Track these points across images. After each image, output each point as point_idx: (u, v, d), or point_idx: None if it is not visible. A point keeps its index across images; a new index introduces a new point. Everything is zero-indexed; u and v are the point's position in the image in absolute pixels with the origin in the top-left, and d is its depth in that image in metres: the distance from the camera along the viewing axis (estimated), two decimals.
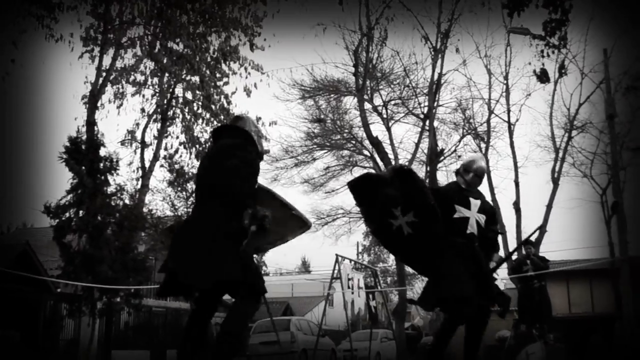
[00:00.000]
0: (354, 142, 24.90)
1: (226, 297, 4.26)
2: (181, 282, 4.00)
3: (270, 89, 64.84)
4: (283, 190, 24.25)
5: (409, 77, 22.36)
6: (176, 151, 20.90)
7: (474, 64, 70.00)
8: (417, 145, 22.23)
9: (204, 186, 4.22)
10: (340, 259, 13.71)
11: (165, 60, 20.10)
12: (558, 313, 19.56)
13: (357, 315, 33.21)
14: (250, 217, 3.88)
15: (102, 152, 16.89)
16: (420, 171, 20.96)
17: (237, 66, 20.77)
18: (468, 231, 5.24)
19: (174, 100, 21.53)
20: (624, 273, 15.33)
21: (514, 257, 13.74)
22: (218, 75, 20.89)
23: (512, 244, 22.95)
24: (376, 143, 19.50)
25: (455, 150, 23.08)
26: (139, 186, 20.30)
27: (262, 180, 4.70)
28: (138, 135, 21.32)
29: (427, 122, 20.88)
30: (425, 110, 21.47)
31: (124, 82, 21.16)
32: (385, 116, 23.39)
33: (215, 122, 20.63)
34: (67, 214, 16.04)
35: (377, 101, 23.42)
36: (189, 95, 21.27)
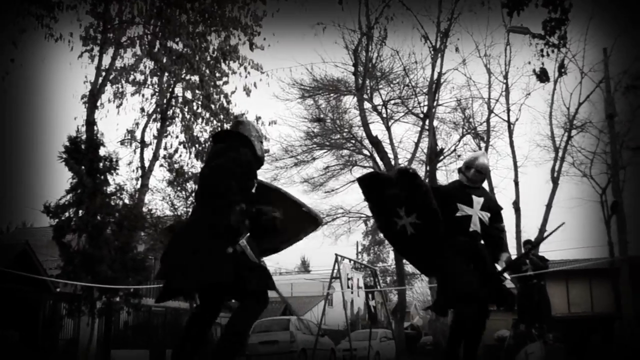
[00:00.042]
0: (353, 141, 24.91)
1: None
2: (172, 286, 4.03)
3: (270, 89, 64.88)
4: None
5: (408, 77, 22.39)
6: (176, 151, 20.89)
7: (473, 63, 70.01)
8: (417, 144, 22.26)
9: (197, 189, 4.28)
10: (339, 258, 13.70)
11: (164, 60, 20.09)
12: (557, 313, 19.59)
13: (356, 314, 33.32)
14: (238, 214, 3.83)
15: (102, 151, 16.89)
16: (420, 170, 20.96)
17: (236, 65, 20.79)
18: (471, 229, 5.23)
19: (173, 100, 21.53)
20: (623, 273, 15.35)
21: (513, 256, 13.72)
22: (218, 74, 20.88)
23: (512, 244, 22.95)
24: (376, 142, 19.51)
25: (454, 150, 23.11)
26: (138, 186, 20.30)
27: (262, 180, 4.72)
28: (138, 134, 21.33)
29: (427, 122, 20.89)
30: (425, 109, 21.48)
31: (123, 82, 21.17)
32: (384, 115, 23.41)
33: (214, 122, 20.63)
34: (67, 214, 16.03)
35: (377, 100, 23.46)
36: (188, 95, 21.28)
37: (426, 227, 5.08)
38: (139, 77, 21.41)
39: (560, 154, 23.61)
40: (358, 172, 26.33)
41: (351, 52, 21.19)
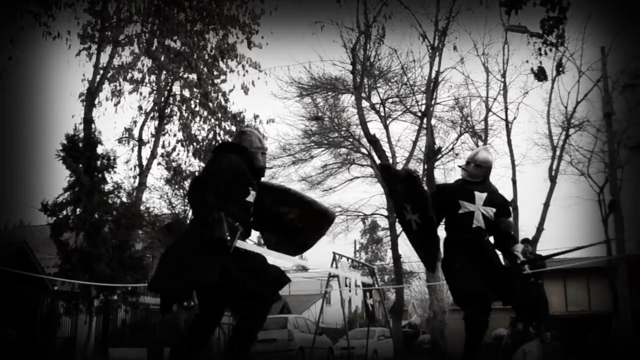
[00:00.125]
0: (351, 140, 24.88)
1: None
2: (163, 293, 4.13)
3: (268, 87, 64.81)
4: None
5: (406, 75, 22.34)
6: (173, 149, 20.89)
7: (471, 62, 69.90)
8: (415, 143, 22.23)
9: None
10: (337, 257, 13.69)
11: (162, 58, 20.07)
12: (555, 311, 19.63)
13: (354, 313, 33.31)
14: (213, 226, 3.86)
15: (100, 149, 16.90)
16: (418, 169, 20.96)
17: (234, 64, 20.80)
18: (474, 225, 5.24)
19: (171, 98, 21.53)
20: (621, 271, 15.36)
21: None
22: (215, 72, 20.88)
23: None
24: (374, 141, 19.50)
25: (452, 148, 23.08)
26: (136, 184, 20.32)
27: (272, 182, 4.88)
28: (135, 133, 21.36)
29: (425, 120, 20.87)
30: (423, 108, 21.45)
31: (121, 80, 21.19)
32: (382, 114, 23.38)
33: (212, 120, 20.62)
34: (65, 212, 16.03)
35: (375, 99, 23.42)
36: (186, 93, 21.28)
37: (426, 229, 5.17)
38: (137, 75, 21.45)
39: (558, 152, 23.61)
40: (356, 170, 26.37)
41: (349, 50, 21.16)
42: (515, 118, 23.50)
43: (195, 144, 20.57)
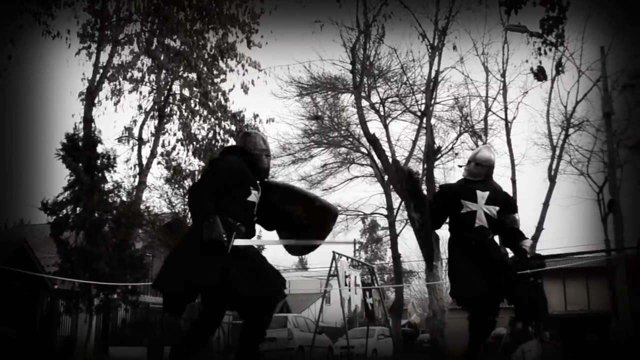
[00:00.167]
0: (351, 139, 24.92)
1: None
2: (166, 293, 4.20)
3: (268, 86, 64.68)
4: None
5: (406, 75, 22.39)
6: (173, 148, 20.89)
7: (471, 62, 70.07)
8: (414, 142, 22.28)
9: None
10: (337, 256, 13.71)
11: (162, 57, 20.07)
12: (554, 311, 19.65)
13: (354, 312, 33.32)
14: (208, 229, 3.93)
15: (100, 149, 16.89)
16: (418, 169, 20.99)
17: (234, 63, 20.78)
18: (476, 225, 5.24)
19: (171, 97, 21.53)
20: (619, 271, 15.38)
21: (510, 254, 13.74)
22: (215, 72, 20.87)
23: None
24: (373, 140, 19.48)
25: (452, 148, 23.12)
26: (136, 183, 20.32)
27: (277, 180, 4.92)
28: (135, 132, 21.35)
29: (425, 120, 20.89)
30: (423, 107, 21.48)
31: (121, 79, 21.18)
32: (382, 113, 23.42)
33: (212, 119, 20.62)
34: (64, 211, 16.03)
35: (375, 98, 23.46)
36: (186, 92, 21.27)
37: (426, 229, 5.24)
38: (137, 75, 21.43)
39: (557, 152, 23.66)
40: (355, 169, 26.40)
41: (349, 50, 21.16)
42: (514, 118, 23.60)
43: (195, 143, 20.57)
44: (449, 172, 23.36)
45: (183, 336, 4.26)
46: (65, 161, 16.04)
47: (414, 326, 35.27)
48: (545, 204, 22.65)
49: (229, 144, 20.02)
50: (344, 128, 24.75)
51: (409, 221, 25.59)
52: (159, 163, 20.90)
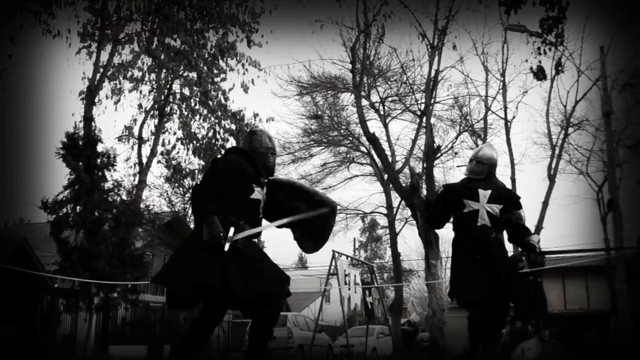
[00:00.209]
0: (351, 138, 24.92)
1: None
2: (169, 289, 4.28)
3: (268, 86, 64.55)
4: None
5: (406, 74, 22.35)
6: (173, 147, 20.90)
7: (471, 61, 70.14)
8: (414, 142, 22.24)
9: None
10: (337, 255, 13.74)
11: (162, 57, 20.07)
12: (554, 309, 19.65)
13: (353, 311, 33.34)
14: (208, 229, 4.00)
15: (100, 147, 16.91)
16: (418, 168, 21.00)
17: (234, 62, 20.78)
18: (479, 223, 5.23)
19: (171, 97, 21.53)
20: (619, 270, 15.40)
21: (510, 253, 13.76)
22: (215, 71, 20.87)
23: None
24: (373, 140, 19.50)
25: (452, 147, 23.11)
26: (136, 182, 20.33)
27: (281, 177, 4.96)
28: (135, 131, 21.35)
29: (424, 119, 20.89)
30: (422, 107, 21.46)
31: (121, 78, 21.18)
32: (382, 113, 23.41)
33: (212, 118, 20.63)
34: (64, 210, 16.05)
35: (374, 98, 23.45)
36: (186, 92, 21.27)
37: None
38: (137, 74, 21.42)
39: (557, 151, 23.66)
40: (355, 169, 26.41)
41: (349, 49, 21.15)
42: (514, 117, 23.56)
43: (195, 142, 20.58)
44: (449, 171, 23.37)
45: (183, 335, 4.28)
46: (66, 160, 16.05)
47: (414, 325, 35.26)
48: (545, 203, 22.66)
49: (229, 143, 20.07)
50: (343, 127, 24.75)
51: (408, 220, 25.71)
52: (159, 162, 20.94)
